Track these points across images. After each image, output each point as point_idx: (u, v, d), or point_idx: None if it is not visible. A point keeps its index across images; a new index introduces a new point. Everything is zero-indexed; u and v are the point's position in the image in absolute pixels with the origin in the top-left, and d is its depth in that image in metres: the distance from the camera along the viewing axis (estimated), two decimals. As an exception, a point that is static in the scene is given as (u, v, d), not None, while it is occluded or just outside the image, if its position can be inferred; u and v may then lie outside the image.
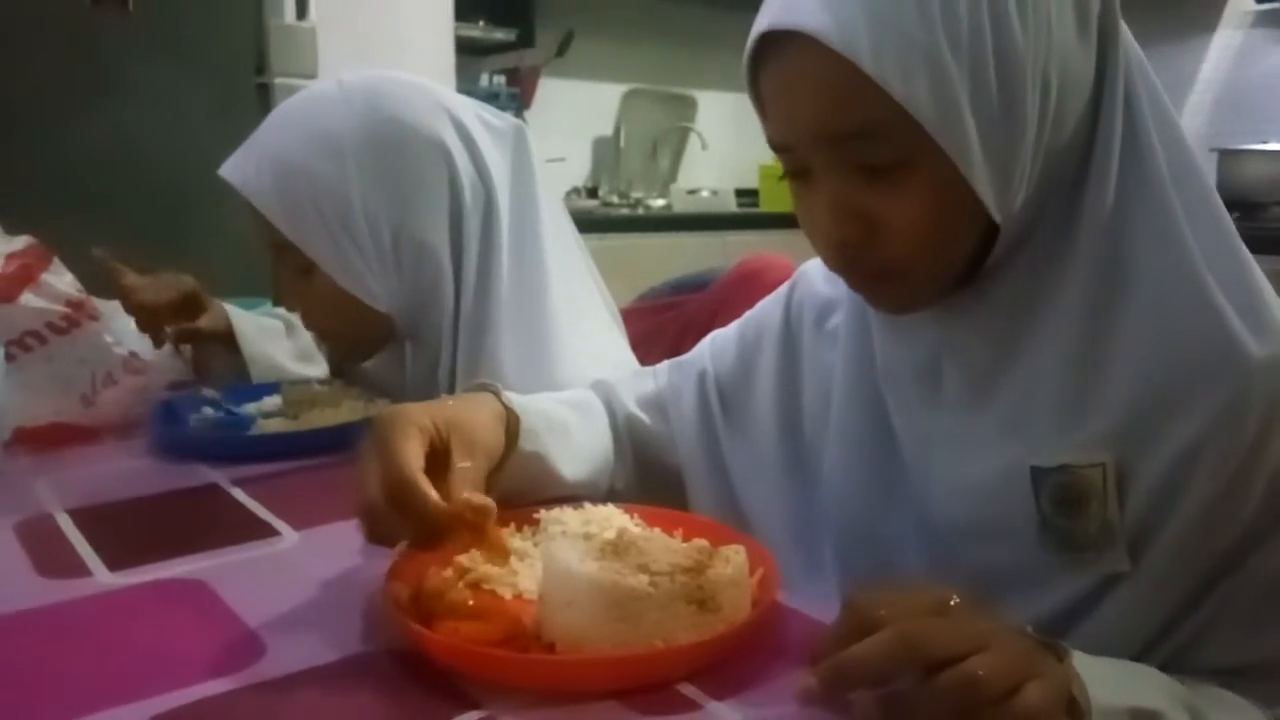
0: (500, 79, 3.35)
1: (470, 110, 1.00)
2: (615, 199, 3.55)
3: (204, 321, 1.12)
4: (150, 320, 1.06)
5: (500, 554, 0.61)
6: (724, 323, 0.91)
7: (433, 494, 0.60)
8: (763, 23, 0.60)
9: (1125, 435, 0.59)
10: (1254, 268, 0.60)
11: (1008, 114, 0.57)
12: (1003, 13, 0.56)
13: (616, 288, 1.56)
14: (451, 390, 0.97)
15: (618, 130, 3.66)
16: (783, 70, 0.60)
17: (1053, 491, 0.60)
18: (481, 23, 3.11)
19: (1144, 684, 0.56)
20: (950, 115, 0.55)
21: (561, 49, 3.35)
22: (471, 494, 0.61)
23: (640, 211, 3.40)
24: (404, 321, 1.00)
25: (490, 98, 3.31)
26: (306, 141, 0.94)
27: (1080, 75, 0.60)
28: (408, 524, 0.61)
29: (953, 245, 0.61)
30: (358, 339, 1.03)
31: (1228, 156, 2.86)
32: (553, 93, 3.47)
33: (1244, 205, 2.75)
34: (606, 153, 3.70)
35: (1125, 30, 0.63)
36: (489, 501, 0.61)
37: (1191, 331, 0.58)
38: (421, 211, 0.95)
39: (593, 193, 3.62)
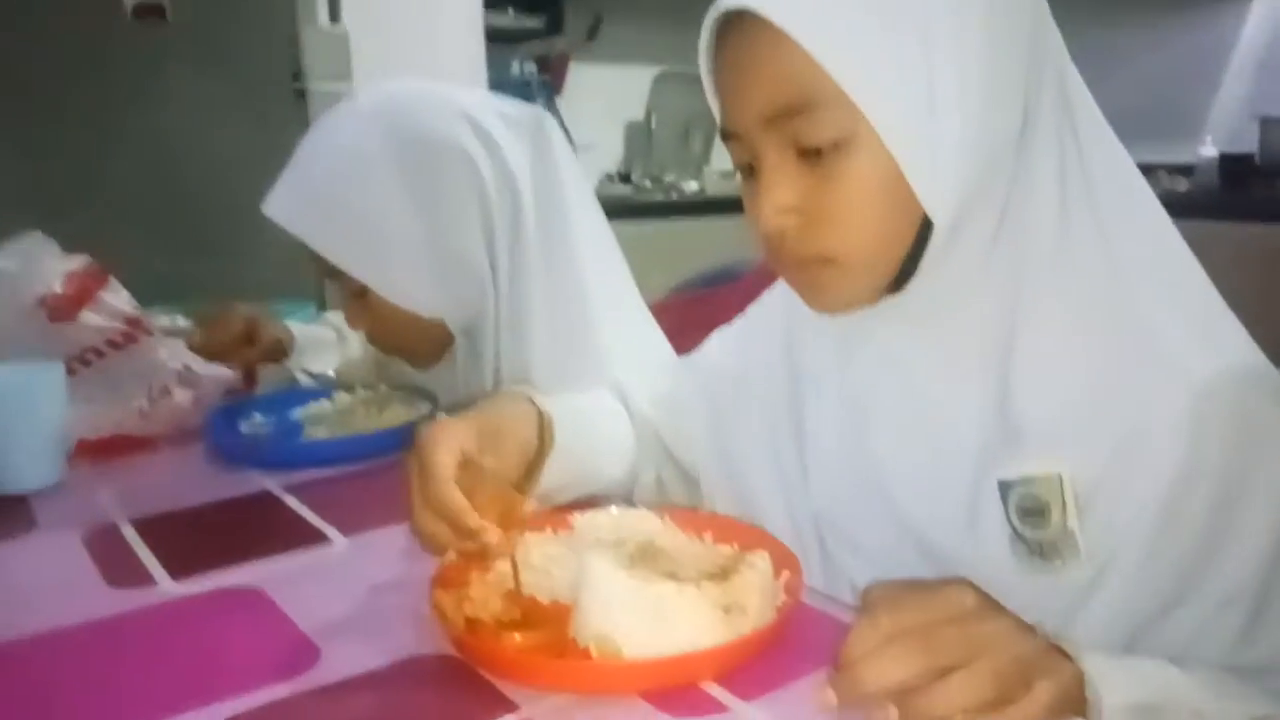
0: (531, 67, 3.38)
1: (488, 108, 1.02)
2: (648, 184, 3.56)
3: (268, 340, 1.19)
4: (223, 360, 1.13)
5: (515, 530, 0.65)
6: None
7: (462, 502, 0.63)
8: (714, 9, 0.63)
9: (1076, 446, 0.61)
10: (1198, 279, 0.62)
11: (934, 99, 0.58)
12: (933, 7, 0.58)
13: (653, 275, 1.57)
14: (498, 389, 1.01)
15: (649, 114, 3.67)
16: (730, 54, 0.63)
17: (1018, 502, 0.62)
18: (511, 11, 3.13)
19: (1156, 679, 0.57)
20: (878, 89, 0.58)
21: (591, 34, 3.36)
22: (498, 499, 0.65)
23: (674, 196, 3.40)
24: (457, 326, 1.04)
25: (521, 86, 3.34)
26: (335, 170, 0.97)
27: (1008, 77, 0.61)
28: (449, 535, 0.64)
29: (886, 235, 0.62)
30: (420, 349, 1.08)
31: (1270, 124, 2.80)
32: (583, 78, 3.49)
33: (1288, 173, 2.70)
34: (638, 137, 3.70)
35: (1056, 34, 0.64)
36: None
37: (1124, 345, 0.60)
38: (453, 221, 0.98)
39: (625, 178, 3.63)
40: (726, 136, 0.66)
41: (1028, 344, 0.63)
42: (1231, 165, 2.79)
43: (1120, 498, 0.60)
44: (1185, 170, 2.88)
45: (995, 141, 0.61)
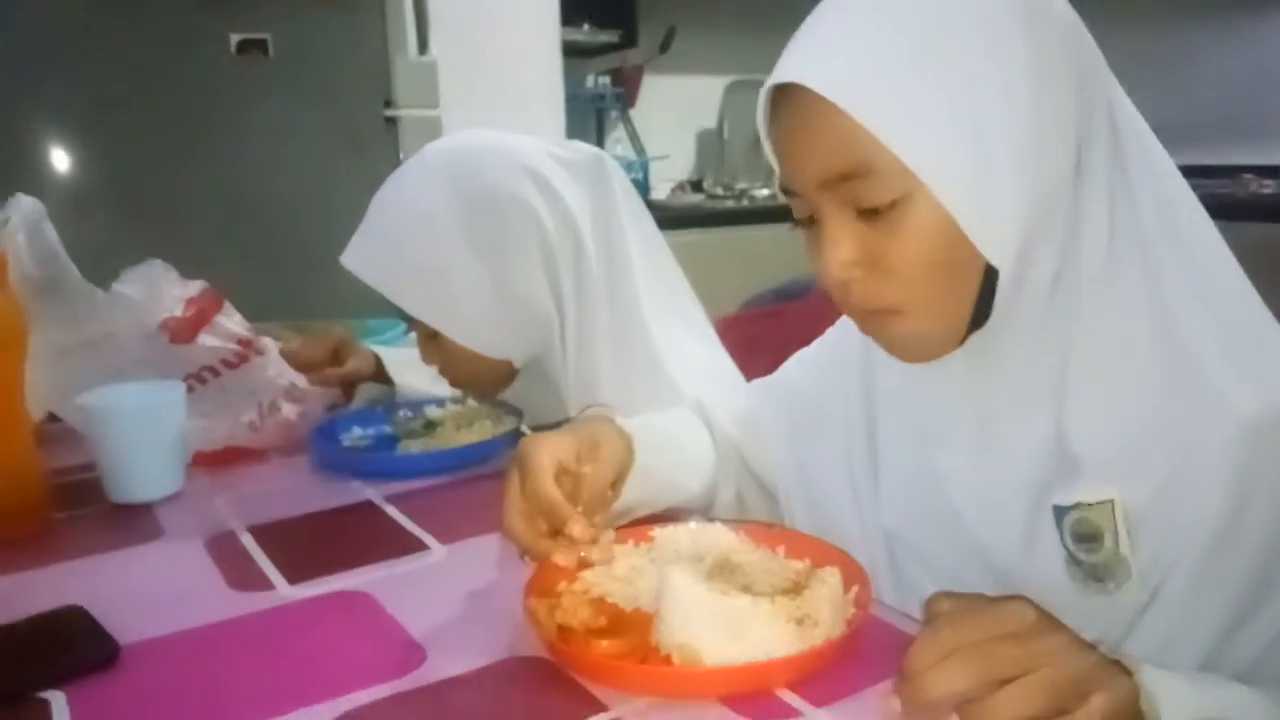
0: (605, 79, 3.44)
1: (547, 155, 1.08)
2: (720, 191, 3.60)
3: (350, 365, 1.26)
4: (311, 373, 1.21)
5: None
6: (826, 330, 0.95)
7: (557, 495, 0.70)
8: (768, 80, 0.66)
9: (1128, 475, 0.63)
10: (1258, 314, 0.64)
11: (986, 155, 0.60)
12: (977, 62, 0.60)
13: (726, 281, 1.61)
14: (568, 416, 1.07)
15: (721, 122, 3.70)
16: (784, 120, 0.66)
17: (1071, 527, 0.65)
18: (586, 26, 3.20)
19: (1219, 696, 0.59)
20: (930, 152, 0.60)
21: (664, 46, 3.41)
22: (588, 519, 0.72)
23: (745, 203, 3.44)
24: (524, 362, 1.11)
25: (596, 98, 3.41)
26: (403, 224, 1.06)
27: (1058, 119, 0.63)
28: (536, 535, 0.71)
29: (949, 285, 0.64)
30: (489, 383, 1.15)
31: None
32: (656, 89, 3.54)
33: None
34: (710, 145, 3.74)
35: (1103, 63, 0.66)
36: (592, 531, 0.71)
37: (1170, 379, 0.62)
38: (515, 267, 1.05)
39: (697, 186, 3.67)
40: (787, 192, 0.68)
41: (1082, 376, 0.65)
42: (1321, 166, 2.72)
43: (1171, 526, 0.62)
44: (1273, 171, 2.81)
45: (1050, 185, 0.63)
